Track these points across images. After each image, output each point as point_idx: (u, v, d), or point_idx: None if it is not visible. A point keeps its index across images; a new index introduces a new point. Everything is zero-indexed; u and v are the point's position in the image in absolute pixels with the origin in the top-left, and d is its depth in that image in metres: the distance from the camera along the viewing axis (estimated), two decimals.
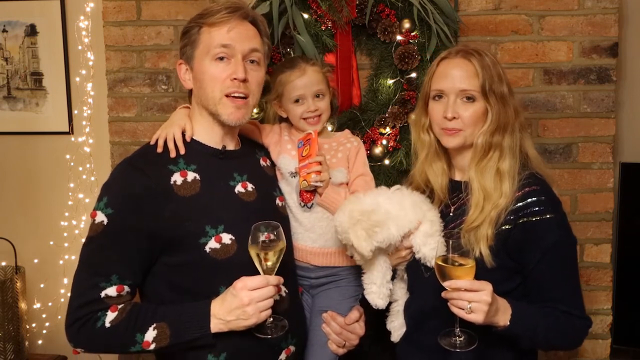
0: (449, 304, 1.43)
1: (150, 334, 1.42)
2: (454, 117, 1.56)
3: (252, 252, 1.45)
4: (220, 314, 1.43)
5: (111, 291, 1.44)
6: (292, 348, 1.60)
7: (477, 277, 1.47)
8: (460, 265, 1.42)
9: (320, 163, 1.70)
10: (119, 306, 1.45)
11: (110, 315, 1.43)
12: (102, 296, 1.43)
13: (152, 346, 1.43)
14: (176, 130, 1.57)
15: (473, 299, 1.39)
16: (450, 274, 1.42)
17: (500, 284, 1.47)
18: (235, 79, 1.52)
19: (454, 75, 1.57)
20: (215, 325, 1.43)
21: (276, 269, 1.47)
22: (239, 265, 1.48)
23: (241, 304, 1.40)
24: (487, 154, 1.56)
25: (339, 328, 1.73)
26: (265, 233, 1.44)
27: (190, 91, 1.62)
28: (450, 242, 1.43)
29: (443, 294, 1.43)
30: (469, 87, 1.56)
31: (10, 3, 2.71)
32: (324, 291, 1.79)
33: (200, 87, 1.55)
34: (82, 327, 1.44)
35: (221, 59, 1.52)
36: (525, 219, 1.51)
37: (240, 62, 1.53)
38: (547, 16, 2.34)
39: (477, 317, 1.39)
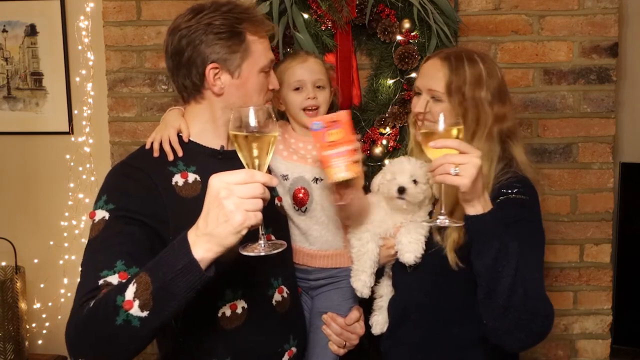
0: (432, 177, 1.35)
1: (130, 290, 1.15)
2: (422, 112, 1.60)
3: (236, 140, 1.18)
4: (200, 228, 1.13)
5: (113, 278, 1.25)
6: (294, 350, 1.59)
7: (445, 275, 1.51)
8: (446, 129, 1.37)
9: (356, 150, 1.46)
10: None
11: (97, 298, 1.22)
12: (100, 283, 1.24)
13: (136, 305, 1.14)
14: (171, 132, 1.53)
15: (462, 161, 1.30)
16: (436, 138, 1.36)
17: (466, 284, 1.47)
18: (272, 89, 1.58)
19: (427, 75, 1.62)
20: (201, 247, 1.13)
21: (266, 166, 1.20)
22: (243, 265, 1.46)
23: (217, 199, 1.10)
24: None
25: (339, 329, 1.72)
26: (255, 113, 1.18)
27: (186, 92, 1.54)
28: (442, 116, 1.37)
29: (428, 168, 1.37)
30: (434, 87, 1.58)
31: (10, 3, 2.71)
32: (323, 293, 1.78)
33: (244, 94, 1.52)
34: (73, 325, 1.23)
35: (267, 72, 1.55)
36: (500, 198, 1.50)
37: (274, 74, 1.59)
38: (547, 16, 2.35)
39: (464, 181, 1.30)
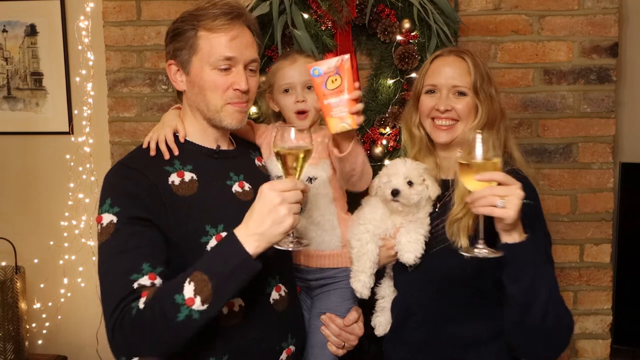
0: (473, 207, 1.35)
1: (189, 289, 1.28)
2: (447, 110, 1.61)
3: (279, 153, 1.35)
4: (251, 228, 1.32)
5: (144, 280, 1.33)
6: (292, 348, 1.59)
7: (446, 275, 1.54)
8: (488, 160, 1.34)
9: (357, 99, 1.43)
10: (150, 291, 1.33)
11: (142, 299, 1.30)
12: (135, 287, 1.32)
13: (198, 301, 1.27)
14: (167, 131, 1.54)
15: (507, 193, 1.31)
16: (478, 170, 1.34)
17: (468, 282, 1.49)
18: (237, 89, 1.51)
19: (447, 72, 1.62)
20: (252, 244, 1.31)
21: (302, 174, 1.38)
22: None
23: (273, 206, 1.30)
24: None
25: (338, 330, 1.72)
26: (295, 132, 1.34)
27: (180, 92, 1.59)
28: (480, 137, 1.34)
29: (468, 198, 1.37)
30: (461, 83, 1.61)
31: (10, 3, 2.71)
32: (322, 293, 1.78)
33: (199, 93, 1.52)
34: (119, 329, 1.30)
35: (223, 69, 1.50)
36: None
37: (243, 73, 1.51)
38: (547, 16, 2.35)
39: (510, 213, 1.31)
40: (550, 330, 1.43)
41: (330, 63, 1.41)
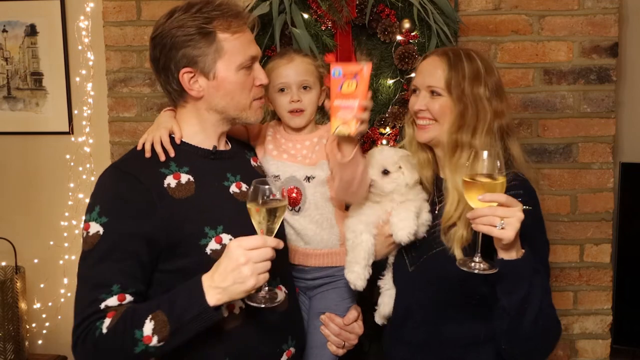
0: (473, 224, 1.38)
1: (148, 327, 1.31)
2: (421, 110, 1.61)
3: (251, 209, 1.35)
4: (216, 281, 1.32)
5: (112, 301, 1.36)
6: (292, 350, 1.59)
7: (446, 276, 1.54)
8: (492, 180, 1.37)
9: (366, 108, 1.48)
10: (117, 311, 1.37)
11: (107, 321, 1.34)
12: (102, 307, 1.36)
13: (155, 340, 1.31)
14: (163, 133, 1.52)
15: (507, 215, 1.34)
16: (481, 189, 1.36)
17: (467, 283, 1.49)
18: (261, 84, 1.55)
19: (426, 72, 1.63)
20: (213, 296, 1.31)
21: (275, 231, 1.37)
22: None
23: (237, 265, 1.30)
24: (454, 152, 1.56)
25: (337, 329, 1.72)
26: (267, 188, 1.34)
27: (171, 97, 1.56)
28: (486, 155, 1.37)
29: (469, 214, 1.39)
30: (434, 83, 1.60)
31: (10, 3, 2.71)
32: (321, 293, 1.77)
33: (226, 95, 1.50)
34: (82, 344, 1.35)
35: (247, 68, 1.52)
36: None
37: (261, 68, 1.56)
38: (547, 16, 2.35)
39: (509, 234, 1.34)
40: (538, 338, 1.46)
41: (352, 68, 1.47)
